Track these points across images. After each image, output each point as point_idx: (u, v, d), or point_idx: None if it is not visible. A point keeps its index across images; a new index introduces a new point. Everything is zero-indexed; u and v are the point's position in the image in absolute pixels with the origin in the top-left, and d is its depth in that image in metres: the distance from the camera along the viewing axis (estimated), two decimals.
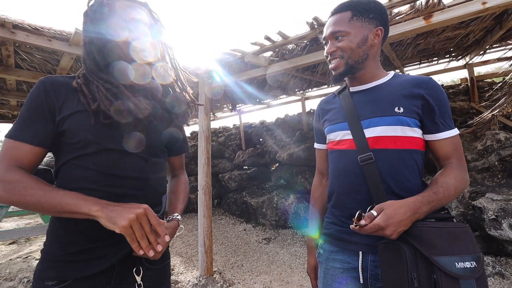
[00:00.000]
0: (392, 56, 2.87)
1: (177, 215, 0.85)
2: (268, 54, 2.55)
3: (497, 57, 3.27)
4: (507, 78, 2.78)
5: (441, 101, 0.84)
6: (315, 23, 1.95)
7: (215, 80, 2.86)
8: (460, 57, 3.42)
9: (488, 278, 2.41)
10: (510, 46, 2.99)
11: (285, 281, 2.76)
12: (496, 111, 2.69)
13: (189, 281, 2.79)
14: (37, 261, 0.97)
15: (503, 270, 2.46)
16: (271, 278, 2.86)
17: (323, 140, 1.08)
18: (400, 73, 0.98)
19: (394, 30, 1.85)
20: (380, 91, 0.91)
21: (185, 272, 3.05)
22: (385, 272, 0.74)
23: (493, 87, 3.69)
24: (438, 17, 1.68)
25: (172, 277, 2.89)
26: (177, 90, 0.93)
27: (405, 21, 1.79)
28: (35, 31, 1.85)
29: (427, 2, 1.69)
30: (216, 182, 5.98)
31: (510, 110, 2.71)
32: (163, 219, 0.81)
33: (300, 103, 5.37)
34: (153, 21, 0.86)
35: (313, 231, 1.11)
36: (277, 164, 5.71)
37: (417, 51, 2.97)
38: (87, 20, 0.78)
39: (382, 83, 0.93)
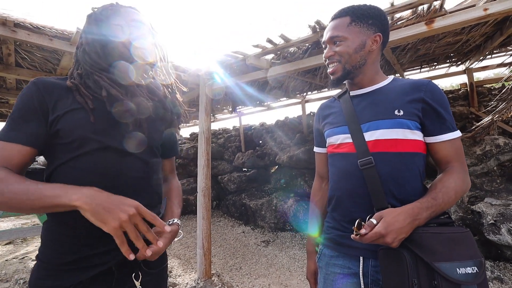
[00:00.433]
0: (393, 61, 2.89)
1: (177, 220, 0.85)
2: (269, 56, 2.56)
3: (497, 63, 3.29)
4: (506, 84, 2.80)
5: (441, 103, 0.84)
6: (317, 26, 1.96)
7: (216, 81, 2.86)
8: (460, 63, 3.44)
9: None
10: (510, 52, 3.02)
11: (283, 285, 2.75)
12: (496, 116, 2.70)
13: (187, 283, 2.78)
14: (34, 262, 0.95)
15: (501, 275, 2.46)
16: (270, 281, 2.84)
17: (323, 144, 1.08)
18: (400, 77, 0.99)
19: (395, 35, 1.86)
20: (380, 94, 0.91)
21: (183, 275, 3.03)
22: (386, 278, 0.73)
23: (493, 92, 3.72)
24: (439, 23, 1.69)
25: (170, 280, 2.87)
26: (176, 92, 0.95)
27: (406, 26, 1.80)
28: (37, 30, 1.84)
29: (429, 8, 1.70)
30: (215, 184, 5.96)
31: (509, 116, 2.72)
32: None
33: (300, 105, 5.38)
34: (153, 30, 0.89)
35: (313, 235, 1.11)
36: (277, 167, 5.71)
37: (418, 56, 2.99)
38: (90, 21, 0.80)
39: (382, 87, 0.93)
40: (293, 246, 3.75)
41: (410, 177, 0.83)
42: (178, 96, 0.97)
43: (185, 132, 8.27)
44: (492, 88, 3.87)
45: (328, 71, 0.96)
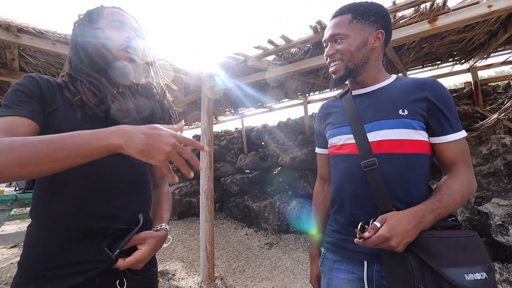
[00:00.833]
0: (396, 60, 2.86)
1: (165, 225, 0.83)
2: (271, 57, 2.55)
3: (501, 60, 3.25)
4: None
5: (446, 103, 0.82)
6: (318, 26, 1.95)
7: (218, 83, 2.86)
8: (463, 61, 3.40)
9: None
10: None
11: None
12: (502, 115, 2.66)
13: (190, 286, 2.76)
14: None
15: (510, 277, 2.40)
16: (274, 284, 2.81)
17: (324, 145, 1.05)
18: (403, 76, 0.97)
19: (397, 34, 1.84)
20: (383, 94, 0.89)
21: (187, 278, 3.01)
22: (390, 283, 0.71)
23: (498, 91, 3.66)
24: (443, 21, 1.67)
25: (173, 283, 2.86)
26: (161, 93, 0.93)
27: (408, 24, 1.78)
28: (40, 34, 1.86)
29: (431, 6, 1.68)
30: (218, 186, 5.95)
31: None
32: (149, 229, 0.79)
33: (302, 106, 5.36)
34: (140, 30, 0.87)
35: (316, 239, 1.09)
36: (280, 168, 5.68)
37: (421, 55, 2.96)
38: (74, 28, 0.80)
39: (385, 86, 0.90)
40: (297, 248, 3.72)
41: (415, 179, 0.80)
42: (168, 96, 0.95)
43: (188, 134, 8.29)
44: (497, 86, 3.82)
45: (330, 70, 0.94)
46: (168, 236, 0.83)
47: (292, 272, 3.06)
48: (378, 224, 0.69)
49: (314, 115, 5.53)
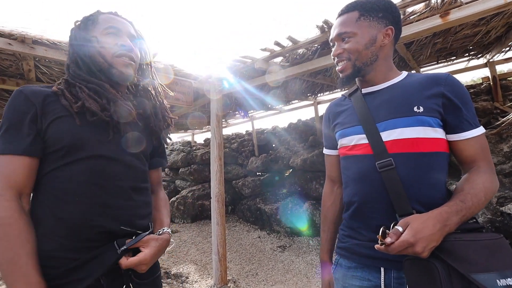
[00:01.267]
0: (408, 57, 2.78)
1: (167, 229, 0.83)
2: (278, 59, 2.54)
3: None
4: None
5: (463, 98, 0.77)
6: (325, 26, 1.92)
7: (226, 87, 2.88)
8: (480, 55, 3.26)
9: None
10: None
11: None
12: None
13: None
14: None
15: None
16: (287, 287, 2.78)
17: (333, 145, 1.02)
18: (414, 72, 0.93)
19: (408, 30, 1.79)
20: (395, 91, 0.85)
21: (200, 280, 3.02)
22: None
23: None
24: (455, 15, 1.61)
25: (187, 286, 2.88)
26: (158, 100, 0.93)
27: (419, 20, 1.73)
28: (53, 45, 1.93)
29: (443, 0, 1.62)
30: (230, 189, 5.97)
31: None
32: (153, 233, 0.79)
33: (312, 107, 5.31)
34: (136, 34, 0.87)
35: (326, 243, 1.05)
36: (291, 170, 5.64)
37: (434, 51, 2.87)
38: (71, 35, 0.81)
39: (396, 83, 0.87)
40: (310, 251, 3.66)
41: (434, 179, 0.76)
42: (165, 102, 0.95)
43: (199, 138, 8.38)
44: None
45: (337, 68, 0.92)
46: (171, 240, 0.84)
47: (305, 275, 3.01)
48: (401, 229, 0.65)
49: None
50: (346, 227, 0.92)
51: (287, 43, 2.15)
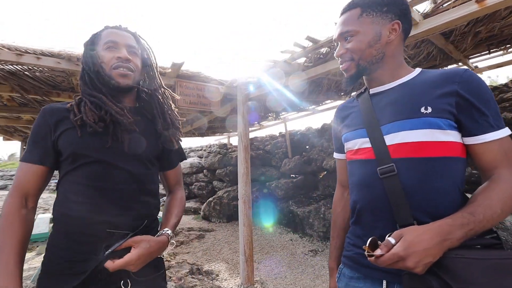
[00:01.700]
0: (449, 48, 2.51)
1: (167, 230, 0.87)
2: (302, 60, 2.51)
3: None
4: None
5: (481, 95, 0.69)
6: None
7: (252, 91, 2.93)
8: None
9: None
10: None
11: None
12: None
13: None
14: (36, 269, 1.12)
15: None
16: None
17: (342, 149, 0.98)
18: (429, 69, 0.85)
19: (439, 19, 1.64)
20: (403, 90, 0.79)
21: (229, 279, 3.11)
22: None
23: None
24: None
25: (216, 283, 2.99)
26: (166, 105, 1.00)
27: (448, 9, 1.56)
28: None
29: None
30: (264, 190, 6.02)
31: None
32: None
33: None
34: (139, 45, 0.95)
35: (335, 251, 1.01)
36: (325, 172, 5.47)
37: (482, 39, 2.54)
38: (83, 52, 0.91)
39: (406, 81, 0.81)
40: None
41: (444, 187, 0.69)
42: (172, 107, 1.01)
43: (235, 140, 8.61)
44: None
45: (340, 67, 0.88)
46: (172, 241, 0.87)
47: None
48: (393, 241, 0.61)
49: None
50: (352, 235, 0.89)
51: (307, 43, 2.12)
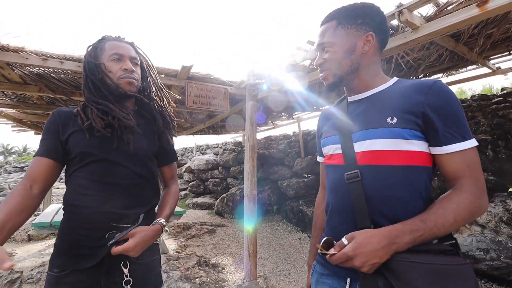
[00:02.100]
0: (462, 50, 2.43)
1: (161, 219, 0.98)
2: (308, 62, 2.54)
3: None
4: None
5: (448, 107, 0.72)
6: None
7: (260, 91, 3.01)
8: None
9: None
10: None
11: None
12: None
13: (235, 281, 2.97)
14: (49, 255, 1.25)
15: None
16: None
17: (322, 153, 1.05)
18: (405, 79, 0.89)
19: (441, 23, 1.62)
20: (376, 100, 0.84)
21: (233, 272, 3.24)
22: None
23: None
24: (495, 2, 1.39)
25: (221, 275, 3.12)
26: (163, 106, 1.12)
27: (450, 13, 1.54)
28: None
29: None
30: (276, 189, 6.09)
31: None
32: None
33: None
34: (138, 54, 1.07)
35: (313, 249, 1.08)
36: None
37: (499, 40, 2.43)
38: (85, 59, 1.02)
39: (380, 91, 0.85)
40: None
41: (405, 194, 0.73)
42: (169, 108, 1.14)
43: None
44: None
45: (319, 76, 0.94)
46: (165, 229, 0.98)
47: None
48: (346, 242, 0.67)
49: None
50: (325, 235, 0.95)
51: (310, 47, 2.16)
